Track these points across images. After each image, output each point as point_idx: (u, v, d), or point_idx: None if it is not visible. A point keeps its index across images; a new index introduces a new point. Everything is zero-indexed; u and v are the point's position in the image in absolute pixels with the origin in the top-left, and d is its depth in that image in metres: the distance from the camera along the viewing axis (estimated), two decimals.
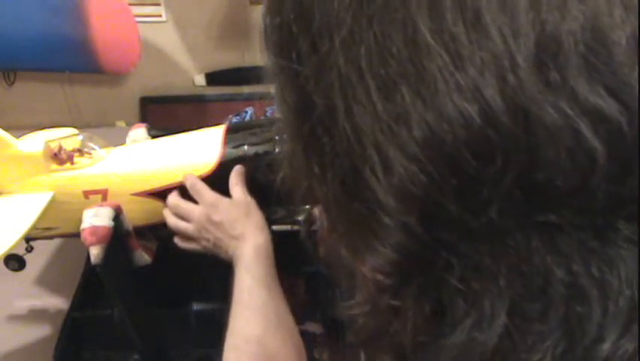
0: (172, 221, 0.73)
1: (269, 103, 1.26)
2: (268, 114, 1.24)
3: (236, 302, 0.62)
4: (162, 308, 0.86)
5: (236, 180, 0.72)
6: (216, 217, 0.69)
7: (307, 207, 0.71)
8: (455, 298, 0.22)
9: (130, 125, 0.97)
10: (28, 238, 0.77)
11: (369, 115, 0.22)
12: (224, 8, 1.27)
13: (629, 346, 0.20)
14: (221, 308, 0.85)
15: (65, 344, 0.82)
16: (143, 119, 1.35)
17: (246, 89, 1.36)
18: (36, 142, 0.75)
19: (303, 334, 0.71)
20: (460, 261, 0.22)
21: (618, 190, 0.19)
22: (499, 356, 0.21)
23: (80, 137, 0.78)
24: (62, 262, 0.97)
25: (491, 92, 0.19)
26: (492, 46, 0.19)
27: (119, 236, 0.72)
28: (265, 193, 0.72)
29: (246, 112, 1.26)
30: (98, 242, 0.68)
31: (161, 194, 0.74)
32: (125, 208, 0.73)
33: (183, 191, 0.73)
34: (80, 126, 0.85)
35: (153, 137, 0.84)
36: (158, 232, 0.81)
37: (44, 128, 0.84)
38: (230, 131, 0.76)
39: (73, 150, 0.76)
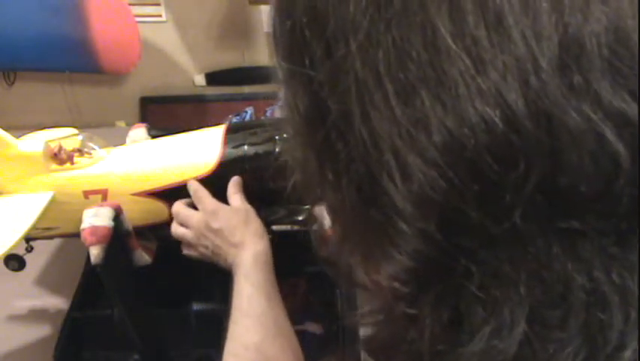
0: (172, 227, 0.73)
1: (269, 103, 1.26)
2: (268, 114, 1.24)
3: (235, 309, 0.62)
4: (162, 308, 0.86)
5: (234, 189, 0.72)
6: (215, 224, 0.68)
7: (307, 207, 0.71)
8: (474, 305, 0.22)
9: (130, 125, 0.97)
10: (28, 238, 0.77)
11: (386, 120, 0.21)
12: (224, 8, 1.27)
13: None
14: (221, 308, 0.86)
15: (65, 344, 0.82)
16: (143, 119, 1.35)
17: (246, 89, 1.36)
18: (36, 142, 0.75)
19: (304, 334, 0.71)
20: (480, 268, 0.21)
21: None
22: None
23: (80, 137, 0.78)
24: (62, 262, 0.97)
25: (514, 96, 0.19)
26: (514, 49, 0.19)
27: (119, 236, 0.72)
28: (265, 193, 0.72)
29: (246, 112, 1.26)
30: (98, 242, 0.68)
31: (161, 194, 0.74)
32: (125, 208, 0.73)
33: (184, 192, 0.73)
34: (80, 126, 0.85)
35: (153, 137, 0.84)
36: (158, 232, 0.81)
37: (44, 128, 0.84)
38: (230, 131, 0.76)
39: (73, 150, 0.76)
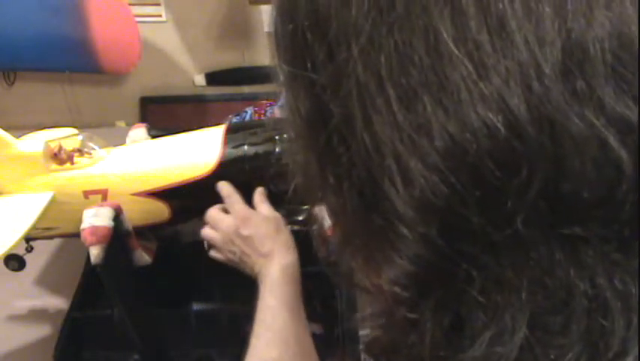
0: (204, 229, 0.73)
1: (269, 103, 1.26)
2: (268, 114, 1.24)
3: (258, 321, 0.61)
4: (162, 308, 0.85)
5: (260, 198, 0.71)
6: (245, 231, 0.68)
7: (307, 207, 0.71)
8: (475, 310, 0.22)
9: (130, 125, 0.97)
10: (28, 238, 0.77)
11: (388, 125, 0.21)
12: (224, 8, 1.27)
13: None
14: (221, 308, 0.86)
15: (65, 344, 0.82)
16: (143, 119, 1.35)
17: (246, 89, 1.36)
18: (36, 142, 0.75)
19: None
20: (481, 273, 0.21)
21: None
22: None
23: (80, 137, 0.78)
24: (62, 262, 0.97)
25: (516, 102, 0.19)
26: (517, 54, 0.19)
27: (119, 236, 0.72)
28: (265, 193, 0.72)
29: (246, 112, 1.26)
30: (98, 242, 0.68)
31: (161, 194, 0.74)
32: (125, 208, 0.73)
33: (184, 192, 0.73)
34: (80, 126, 0.85)
35: (153, 137, 0.84)
36: (158, 232, 0.81)
37: (44, 128, 0.84)
38: (230, 131, 0.76)
39: (73, 150, 0.76)
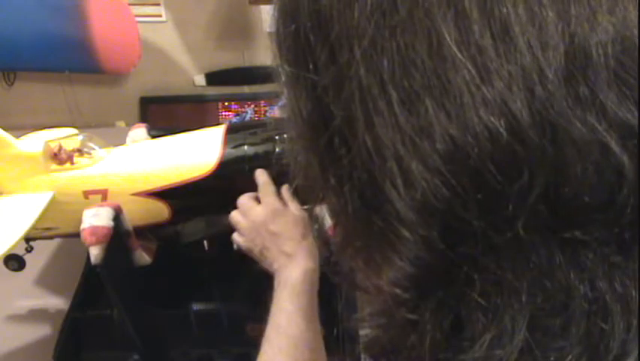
0: (232, 212, 0.71)
1: (269, 103, 1.26)
2: (268, 114, 1.24)
3: (272, 325, 0.60)
4: (162, 308, 0.86)
5: (289, 196, 0.69)
6: (273, 226, 0.66)
7: (306, 207, 0.71)
8: (475, 312, 0.22)
9: (130, 125, 0.97)
10: (28, 238, 0.77)
11: (390, 127, 0.21)
12: (224, 8, 1.27)
13: None
14: (221, 308, 0.86)
15: (65, 344, 0.82)
16: (143, 119, 1.35)
17: (246, 89, 1.36)
18: (36, 142, 0.75)
19: None
20: (481, 275, 0.21)
21: None
22: None
23: (80, 137, 0.78)
24: (62, 262, 0.97)
25: (519, 106, 0.19)
26: (520, 58, 0.19)
27: (119, 236, 0.72)
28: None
29: (246, 112, 1.26)
30: (98, 242, 0.68)
31: (161, 194, 0.74)
32: (125, 208, 0.73)
33: (184, 191, 0.73)
34: (80, 126, 0.85)
35: (153, 137, 0.84)
36: (158, 232, 0.81)
37: (44, 128, 0.84)
38: (231, 131, 0.76)
39: (73, 150, 0.76)
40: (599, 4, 0.19)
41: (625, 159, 0.19)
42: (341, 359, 0.77)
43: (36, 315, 0.91)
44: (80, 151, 0.77)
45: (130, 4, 1.17)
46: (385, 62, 0.21)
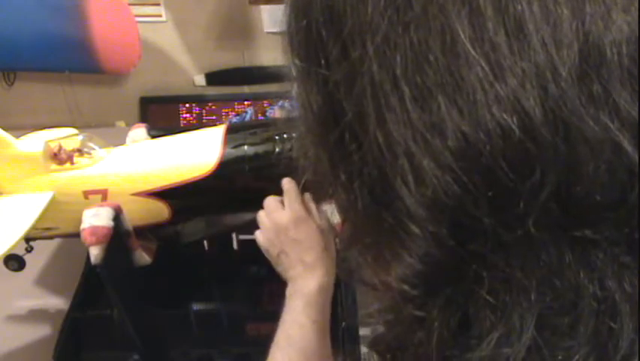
0: (260, 211, 0.69)
1: (269, 103, 1.26)
2: (268, 114, 1.24)
3: (284, 335, 0.60)
4: (162, 308, 0.86)
5: (313, 206, 0.67)
6: (295, 234, 0.64)
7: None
8: (483, 310, 0.22)
9: (130, 125, 0.97)
10: (28, 238, 0.77)
11: (402, 124, 0.21)
12: (224, 8, 1.27)
13: None
14: (221, 308, 0.86)
15: (65, 344, 0.82)
16: (143, 119, 1.35)
17: (246, 89, 1.36)
18: (36, 142, 0.75)
19: None
20: (490, 273, 0.21)
21: None
22: None
23: (80, 137, 0.78)
24: (62, 262, 0.97)
25: (532, 104, 0.19)
26: (534, 56, 0.19)
27: (119, 236, 0.72)
28: (265, 193, 0.72)
29: (246, 112, 1.26)
30: (98, 242, 0.68)
31: (161, 194, 0.74)
32: (125, 208, 0.73)
33: (184, 192, 0.73)
34: (80, 126, 0.85)
35: (153, 137, 0.84)
36: (158, 232, 0.81)
37: (44, 128, 0.84)
38: (230, 131, 0.76)
39: (73, 150, 0.76)
40: (614, 3, 0.19)
41: (637, 158, 0.19)
42: (342, 359, 0.77)
43: (36, 315, 0.91)
44: (79, 151, 0.77)
45: (130, 4, 1.17)
46: (398, 58, 0.21)
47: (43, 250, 0.95)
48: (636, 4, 0.19)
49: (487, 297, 0.21)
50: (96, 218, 0.70)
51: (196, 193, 0.74)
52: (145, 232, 0.79)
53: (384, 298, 0.27)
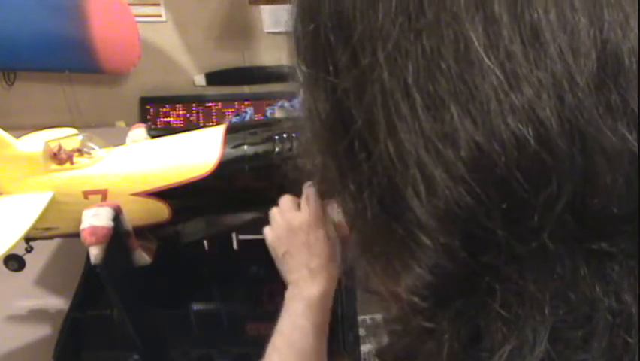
0: (273, 208, 0.68)
1: (269, 103, 1.26)
2: (268, 114, 1.24)
3: (283, 335, 0.60)
4: (162, 308, 0.85)
5: (328, 217, 0.65)
6: (305, 238, 0.63)
7: None
8: (495, 323, 0.21)
9: (130, 125, 0.97)
10: (28, 238, 0.77)
11: (413, 133, 0.21)
12: (224, 8, 1.27)
13: None
14: (221, 308, 0.86)
15: (65, 344, 0.82)
16: (143, 119, 1.35)
17: (246, 89, 1.36)
18: (36, 142, 0.75)
19: None
20: (503, 286, 0.21)
21: None
22: None
23: (80, 137, 0.78)
24: (62, 262, 0.97)
25: (548, 114, 0.19)
26: (551, 65, 0.19)
27: (119, 236, 0.72)
28: (265, 193, 0.72)
29: (246, 112, 1.26)
30: (97, 242, 0.68)
31: (161, 194, 0.74)
32: (125, 208, 0.73)
33: (184, 191, 0.73)
34: (80, 126, 0.85)
35: (153, 137, 0.84)
36: (158, 232, 0.81)
37: (44, 128, 0.84)
38: (230, 131, 0.76)
39: (73, 150, 0.76)
40: (632, 10, 0.19)
41: None
42: (341, 355, 0.77)
43: (36, 315, 0.91)
44: (79, 151, 0.76)
45: (130, 4, 1.17)
46: (410, 66, 0.20)
47: (43, 250, 0.95)
48: None
49: (500, 310, 0.21)
50: (96, 218, 0.70)
51: (196, 193, 0.74)
52: (145, 232, 0.79)
53: (392, 308, 0.26)
